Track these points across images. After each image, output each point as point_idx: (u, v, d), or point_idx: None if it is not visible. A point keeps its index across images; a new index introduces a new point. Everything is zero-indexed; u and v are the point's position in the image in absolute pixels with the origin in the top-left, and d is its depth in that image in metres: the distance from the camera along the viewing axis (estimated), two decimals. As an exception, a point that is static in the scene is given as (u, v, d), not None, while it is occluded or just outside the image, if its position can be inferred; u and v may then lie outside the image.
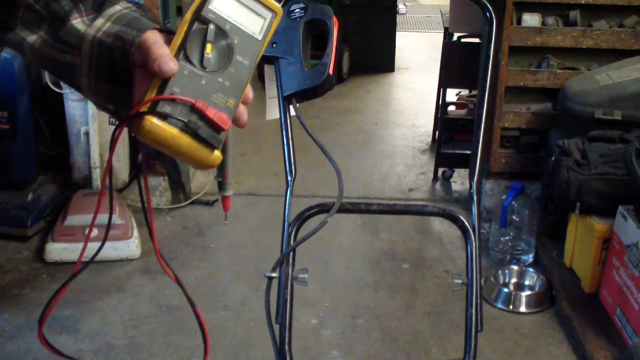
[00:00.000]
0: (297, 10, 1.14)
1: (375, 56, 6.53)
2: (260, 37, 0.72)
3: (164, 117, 0.67)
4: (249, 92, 0.75)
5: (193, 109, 0.68)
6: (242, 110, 0.76)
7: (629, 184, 2.34)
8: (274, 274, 1.20)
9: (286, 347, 1.21)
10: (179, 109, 0.68)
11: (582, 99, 2.86)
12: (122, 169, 3.59)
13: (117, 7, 0.81)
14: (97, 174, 3.37)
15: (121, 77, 0.78)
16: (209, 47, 0.69)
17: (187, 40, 0.70)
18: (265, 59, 1.16)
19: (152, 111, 0.68)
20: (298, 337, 2.46)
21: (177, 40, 0.70)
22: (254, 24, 0.72)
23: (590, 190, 2.55)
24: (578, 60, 3.22)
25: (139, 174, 0.90)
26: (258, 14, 0.72)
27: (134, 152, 3.60)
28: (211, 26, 0.69)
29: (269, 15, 0.72)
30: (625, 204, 2.41)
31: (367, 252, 3.22)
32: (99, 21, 0.79)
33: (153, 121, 0.67)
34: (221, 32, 0.70)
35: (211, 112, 0.69)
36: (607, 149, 2.64)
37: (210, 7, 0.70)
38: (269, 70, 1.18)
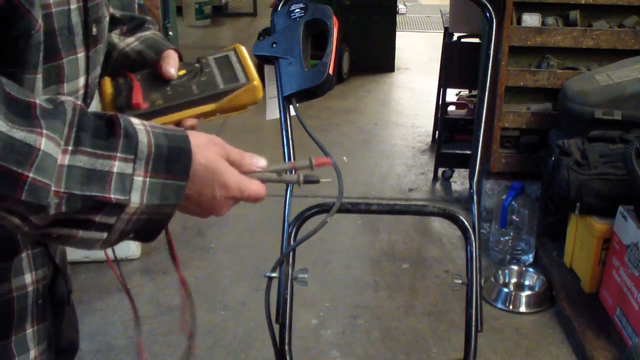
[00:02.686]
0: (297, 10, 1.14)
1: (375, 56, 6.52)
2: (222, 87, 0.93)
3: None
4: (190, 120, 0.93)
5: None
6: (191, 123, 0.94)
7: (629, 184, 2.34)
8: (274, 274, 1.20)
9: (286, 347, 1.21)
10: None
11: (582, 99, 2.86)
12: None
13: (147, 33, 1.07)
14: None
15: None
16: (182, 72, 0.96)
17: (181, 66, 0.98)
18: (265, 59, 1.16)
19: None
20: (298, 337, 2.46)
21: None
22: (224, 78, 0.94)
23: (590, 190, 2.55)
24: (578, 60, 3.22)
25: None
26: (235, 75, 0.94)
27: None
28: (196, 64, 0.97)
29: (242, 80, 0.93)
30: (625, 204, 2.40)
31: (367, 252, 3.22)
32: (130, 39, 1.05)
33: None
34: (200, 69, 0.96)
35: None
36: (607, 149, 2.64)
37: (208, 56, 0.99)
38: (269, 70, 1.18)
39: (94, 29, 0.86)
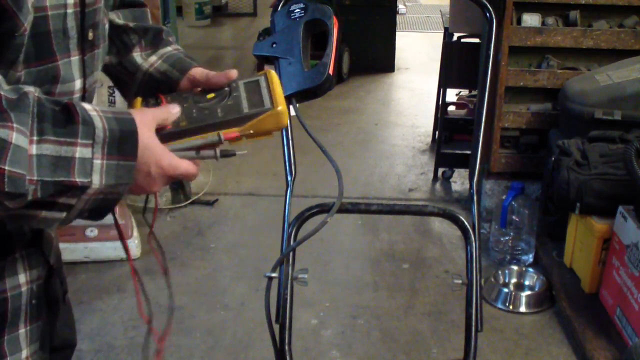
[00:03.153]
0: (297, 10, 1.14)
1: (375, 56, 6.52)
2: (246, 111, 0.93)
3: None
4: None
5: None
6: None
7: (629, 184, 2.34)
8: (274, 274, 1.20)
9: (286, 347, 1.22)
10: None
11: (582, 99, 2.86)
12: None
13: (169, 49, 1.09)
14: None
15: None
16: (211, 95, 0.97)
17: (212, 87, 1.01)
18: (265, 59, 1.16)
19: None
20: (298, 337, 2.46)
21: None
22: (250, 102, 0.94)
23: (590, 190, 2.55)
24: (578, 60, 3.22)
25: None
26: (261, 100, 0.94)
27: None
28: (226, 88, 0.98)
29: (267, 105, 0.93)
30: (625, 204, 2.40)
31: (367, 252, 3.22)
32: (153, 58, 1.07)
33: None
34: (228, 93, 0.97)
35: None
36: (607, 149, 2.64)
37: (239, 81, 0.99)
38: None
39: (90, 34, 0.88)
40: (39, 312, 0.95)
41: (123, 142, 0.79)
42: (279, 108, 0.92)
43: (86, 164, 0.75)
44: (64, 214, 0.77)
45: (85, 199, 0.77)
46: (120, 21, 1.07)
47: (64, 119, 0.75)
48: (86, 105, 0.78)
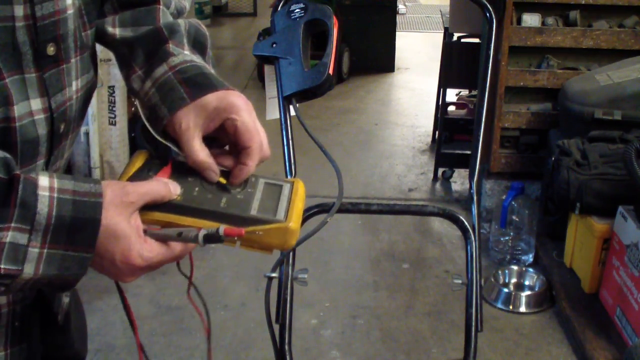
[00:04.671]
0: (297, 10, 1.14)
1: (375, 56, 6.52)
2: (253, 213, 0.79)
3: None
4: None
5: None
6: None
7: (629, 184, 2.34)
8: (274, 274, 1.20)
9: (286, 347, 1.21)
10: None
11: (582, 99, 2.86)
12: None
13: (164, 68, 0.83)
14: (96, 174, 3.37)
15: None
16: (223, 180, 0.81)
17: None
18: (266, 59, 1.16)
19: None
20: (298, 337, 2.46)
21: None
22: (262, 206, 0.80)
23: (590, 190, 2.55)
24: (578, 60, 3.22)
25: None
26: (275, 208, 0.80)
27: (134, 151, 3.60)
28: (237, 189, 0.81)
29: (279, 216, 0.79)
30: (625, 204, 2.40)
31: (367, 252, 3.22)
32: (147, 84, 0.84)
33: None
34: (244, 185, 0.82)
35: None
36: (607, 149, 2.64)
37: (260, 177, 0.85)
38: (269, 70, 1.18)
39: (51, 49, 0.77)
40: (22, 335, 0.87)
41: (74, 231, 0.68)
42: (291, 225, 0.79)
43: (18, 250, 0.66)
44: (1, 288, 0.69)
45: (21, 283, 0.68)
46: (113, 30, 0.89)
47: (1, 196, 0.66)
48: (41, 181, 0.68)
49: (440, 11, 5.32)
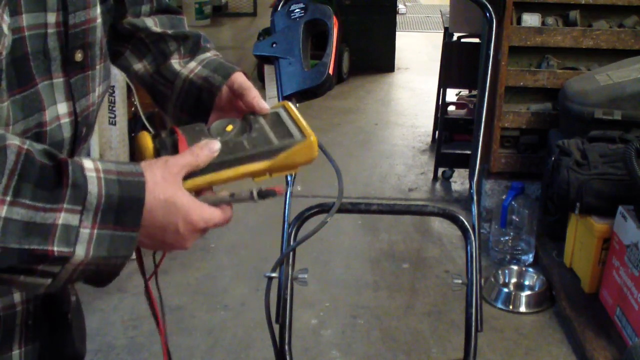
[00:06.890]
0: (297, 10, 1.14)
1: (375, 56, 6.52)
2: (276, 143, 0.85)
3: None
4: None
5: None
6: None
7: (629, 184, 2.34)
8: (274, 274, 1.20)
9: (286, 347, 1.21)
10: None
11: (582, 99, 2.86)
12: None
13: (208, 54, 1.02)
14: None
15: (201, 113, 0.97)
16: (229, 127, 0.88)
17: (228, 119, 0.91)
18: (266, 59, 1.16)
19: None
20: (298, 337, 2.46)
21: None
22: (278, 135, 0.86)
23: (590, 190, 2.55)
24: (578, 60, 3.22)
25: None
26: (289, 131, 0.87)
27: (134, 152, 3.60)
28: (238, 120, 0.89)
29: (298, 137, 0.86)
30: (625, 204, 2.40)
31: (367, 252, 3.22)
32: (192, 64, 1.00)
33: None
34: (248, 125, 0.88)
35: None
36: (607, 149, 2.64)
37: (252, 116, 0.91)
38: (269, 70, 1.19)
39: (79, 55, 0.81)
40: (36, 333, 0.89)
41: (122, 211, 0.70)
42: (312, 138, 0.85)
43: (70, 232, 0.67)
44: (48, 280, 0.69)
45: (71, 268, 0.69)
46: (157, 29, 1.02)
47: (52, 179, 0.67)
48: (87, 163, 0.70)
49: (440, 11, 5.33)
